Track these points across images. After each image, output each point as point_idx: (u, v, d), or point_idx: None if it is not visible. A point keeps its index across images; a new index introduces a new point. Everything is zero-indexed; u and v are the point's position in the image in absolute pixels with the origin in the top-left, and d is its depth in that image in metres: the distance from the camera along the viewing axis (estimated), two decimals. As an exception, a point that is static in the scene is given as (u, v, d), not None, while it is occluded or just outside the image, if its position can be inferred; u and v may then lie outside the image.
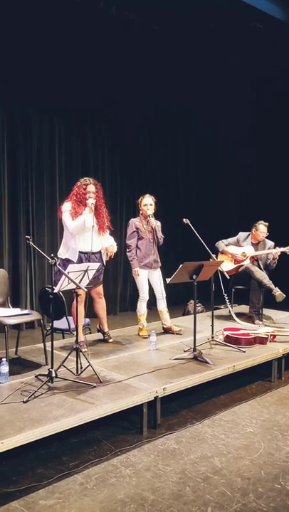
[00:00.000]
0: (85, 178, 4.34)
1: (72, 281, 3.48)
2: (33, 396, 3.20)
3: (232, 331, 4.71)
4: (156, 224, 4.83)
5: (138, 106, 7.42)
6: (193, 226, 4.57)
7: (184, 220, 4.62)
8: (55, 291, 3.51)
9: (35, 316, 4.08)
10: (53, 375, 3.42)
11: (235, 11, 6.18)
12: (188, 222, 4.60)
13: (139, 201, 4.90)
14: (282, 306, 5.68)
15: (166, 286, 4.83)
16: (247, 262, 5.54)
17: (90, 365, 3.61)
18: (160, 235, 4.87)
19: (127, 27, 6.36)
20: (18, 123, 6.20)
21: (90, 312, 4.44)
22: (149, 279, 4.87)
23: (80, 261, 4.18)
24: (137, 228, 4.80)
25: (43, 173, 6.49)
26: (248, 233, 5.68)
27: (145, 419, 3.35)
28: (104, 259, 4.46)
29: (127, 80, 7.05)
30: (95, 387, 3.39)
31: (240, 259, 5.58)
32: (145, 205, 4.80)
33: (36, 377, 3.56)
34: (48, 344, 3.71)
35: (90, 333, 4.83)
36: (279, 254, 5.43)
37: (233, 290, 5.75)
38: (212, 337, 4.62)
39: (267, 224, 5.60)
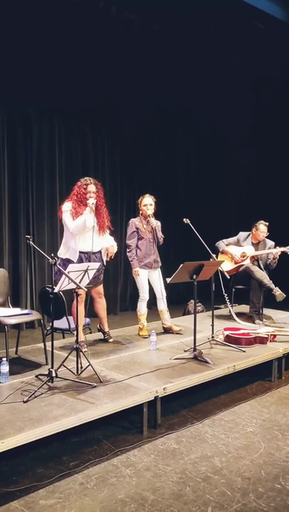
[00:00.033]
0: (85, 178, 4.33)
1: (72, 281, 3.48)
2: (33, 396, 3.20)
3: (232, 330, 4.71)
4: (157, 224, 4.84)
5: (138, 106, 7.43)
6: (193, 226, 4.57)
7: (184, 219, 4.62)
8: (55, 290, 3.51)
9: (35, 315, 4.08)
10: (53, 374, 3.42)
11: (236, 11, 6.17)
12: (189, 222, 4.59)
13: (139, 201, 4.90)
14: (283, 305, 5.68)
15: (167, 286, 4.83)
16: (247, 262, 5.54)
17: (90, 364, 3.61)
18: (160, 234, 4.87)
19: (127, 27, 6.36)
20: (18, 123, 6.21)
21: (91, 312, 4.44)
22: (149, 279, 4.87)
23: (80, 261, 4.18)
24: (137, 228, 4.80)
25: (43, 173, 6.49)
26: (248, 233, 5.68)
27: (145, 418, 3.35)
28: (105, 258, 4.46)
29: (127, 80, 7.05)
30: (95, 386, 3.39)
31: (240, 259, 5.58)
32: (145, 205, 4.80)
33: (36, 376, 3.56)
34: (48, 344, 3.70)
35: (90, 332, 4.83)
36: (279, 253, 5.43)
37: (234, 290, 5.75)
38: (212, 337, 4.62)
39: (267, 224, 5.60)
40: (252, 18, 6.35)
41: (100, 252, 4.38)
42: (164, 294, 4.89)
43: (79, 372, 3.63)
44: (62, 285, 3.49)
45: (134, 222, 4.84)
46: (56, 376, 3.44)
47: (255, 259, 5.61)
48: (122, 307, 7.54)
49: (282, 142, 8.80)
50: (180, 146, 8.39)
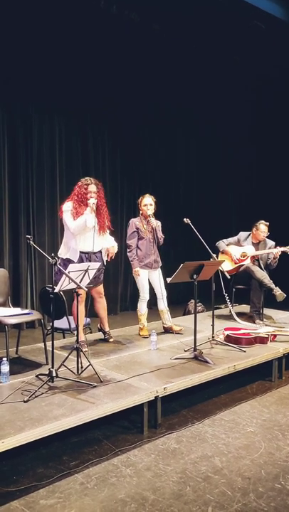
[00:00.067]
0: (86, 178, 4.33)
1: (72, 280, 3.48)
2: (33, 396, 3.20)
3: (232, 330, 4.71)
4: (157, 224, 4.83)
5: (138, 106, 7.43)
6: (193, 226, 4.57)
7: (185, 219, 4.61)
8: (55, 290, 3.51)
9: (35, 315, 4.07)
10: (54, 374, 3.42)
11: (236, 11, 6.17)
12: (189, 221, 4.59)
13: (139, 201, 4.90)
14: (283, 305, 5.68)
15: (167, 286, 4.83)
16: (248, 262, 5.54)
17: (90, 364, 3.61)
18: (160, 234, 4.87)
19: (127, 26, 6.36)
20: (18, 123, 6.20)
21: (91, 312, 4.44)
22: (150, 278, 4.87)
23: (80, 261, 4.17)
24: (137, 228, 4.80)
25: (44, 173, 6.49)
26: (248, 233, 5.68)
27: (146, 418, 3.34)
28: (105, 258, 4.46)
29: (127, 79, 7.05)
30: (95, 386, 3.39)
31: (240, 259, 5.58)
32: (145, 205, 4.80)
33: (37, 376, 3.56)
34: (49, 344, 3.70)
35: (91, 332, 4.83)
36: (280, 253, 5.43)
37: (234, 290, 5.75)
38: (213, 337, 4.62)
39: (268, 224, 5.60)
40: (252, 18, 6.35)
41: (100, 251, 4.38)
42: (165, 294, 4.89)
43: (79, 372, 3.63)
44: (63, 285, 3.49)
45: (135, 222, 4.84)
46: (56, 376, 3.44)
47: (255, 259, 5.61)
48: (123, 307, 7.54)
49: (282, 142, 8.80)
50: (180, 146, 8.39)
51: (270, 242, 5.62)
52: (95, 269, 3.76)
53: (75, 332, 4.04)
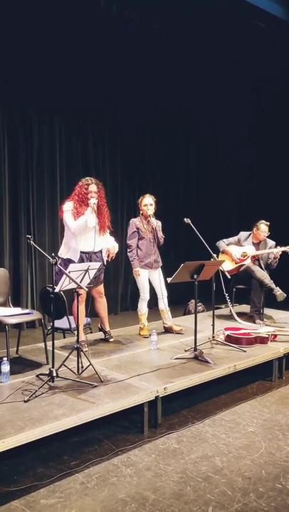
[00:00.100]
0: (86, 178, 4.32)
1: (73, 280, 3.48)
2: (33, 395, 3.20)
3: (233, 330, 4.70)
4: (157, 224, 4.83)
5: (138, 106, 7.42)
6: (193, 226, 4.57)
7: (185, 219, 4.61)
8: (55, 290, 3.51)
9: (36, 315, 4.07)
10: (54, 374, 3.42)
11: (236, 11, 6.17)
12: (190, 221, 4.59)
13: (139, 201, 4.90)
14: (283, 305, 5.67)
15: (167, 286, 4.83)
16: (248, 262, 5.54)
17: (90, 364, 3.61)
18: (160, 234, 4.86)
19: (127, 26, 6.36)
20: (18, 123, 6.20)
21: (91, 311, 4.44)
22: (150, 278, 4.87)
23: (81, 261, 4.17)
24: (138, 228, 4.80)
25: (44, 173, 6.49)
26: (249, 233, 5.68)
27: (146, 418, 3.34)
28: (105, 258, 4.45)
29: (127, 79, 7.05)
30: (95, 386, 3.39)
31: (241, 259, 5.58)
32: (145, 205, 4.80)
33: (37, 376, 3.56)
34: (49, 344, 3.70)
35: (91, 332, 4.83)
36: (280, 253, 5.43)
37: (234, 290, 5.75)
38: (213, 336, 4.62)
39: (268, 223, 5.60)
40: (252, 17, 6.35)
41: (100, 251, 4.38)
42: (165, 294, 4.89)
43: (80, 371, 3.63)
44: (63, 285, 3.49)
45: (135, 222, 4.84)
46: (57, 376, 3.43)
47: (255, 259, 5.61)
48: (123, 307, 7.54)
49: (282, 142, 8.80)
50: (180, 146, 8.39)
51: (271, 242, 5.62)
52: (95, 268, 3.76)
53: (76, 332, 4.04)
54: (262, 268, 5.51)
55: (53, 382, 3.42)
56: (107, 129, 7.20)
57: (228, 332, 4.63)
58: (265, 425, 3.48)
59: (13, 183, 6.21)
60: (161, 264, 4.92)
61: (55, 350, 3.51)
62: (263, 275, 5.36)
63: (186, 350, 4.29)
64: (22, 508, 2.50)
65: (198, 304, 4.76)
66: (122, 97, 7.14)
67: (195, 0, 6.01)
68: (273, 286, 5.29)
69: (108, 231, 4.46)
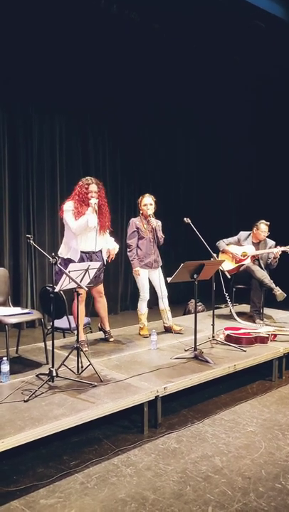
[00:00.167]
0: (87, 178, 4.31)
1: (73, 280, 3.47)
2: (33, 395, 3.20)
3: (233, 330, 4.70)
4: (157, 223, 4.83)
5: (138, 106, 7.43)
6: (193, 226, 4.57)
7: (185, 219, 4.60)
8: (55, 290, 3.50)
9: (35, 315, 4.07)
10: (54, 374, 3.42)
11: (236, 11, 6.17)
12: (189, 221, 4.59)
13: (139, 201, 4.90)
14: (283, 305, 5.67)
15: (167, 286, 4.83)
16: (248, 262, 5.54)
17: (90, 364, 3.61)
18: (160, 234, 4.86)
19: (127, 26, 6.36)
20: (18, 123, 6.20)
21: (91, 311, 4.44)
22: (150, 278, 4.87)
23: (81, 261, 4.16)
24: (138, 228, 4.80)
25: (44, 173, 6.49)
26: (249, 232, 5.68)
27: (146, 418, 3.34)
28: (105, 258, 4.45)
29: (127, 79, 7.05)
30: (95, 386, 3.39)
31: (241, 259, 5.58)
32: (145, 204, 4.80)
33: (37, 376, 3.56)
34: (49, 343, 3.70)
35: (91, 332, 4.83)
36: (280, 253, 5.43)
37: (234, 289, 5.75)
38: (213, 336, 4.62)
39: (268, 223, 5.60)
40: (252, 17, 6.34)
41: (100, 251, 4.38)
42: (165, 293, 4.88)
43: (79, 371, 3.63)
44: (63, 284, 3.49)
45: (135, 221, 4.84)
46: (57, 375, 3.43)
47: (255, 259, 5.61)
48: (123, 306, 7.54)
49: (282, 142, 8.80)
50: (180, 146, 8.39)
51: (271, 242, 5.62)
52: (95, 268, 3.76)
53: (75, 331, 4.04)
54: (262, 268, 5.51)
55: (52, 381, 3.42)
56: (107, 129, 7.20)
57: (228, 332, 4.63)
58: (265, 425, 3.48)
59: (13, 183, 6.21)
60: (161, 263, 4.92)
61: (55, 350, 3.51)
62: (263, 275, 5.36)
63: (186, 350, 4.28)
64: (22, 508, 2.50)
65: (198, 304, 4.77)
66: (122, 97, 7.14)
67: (195, 0, 6.01)
68: (273, 286, 5.29)
69: (108, 231, 4.45)
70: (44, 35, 5.97)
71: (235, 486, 2.70)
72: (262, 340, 4.58)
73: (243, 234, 5.71)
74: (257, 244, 5.62)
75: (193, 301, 5.56)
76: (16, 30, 5.81)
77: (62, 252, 4.32)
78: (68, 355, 3.64)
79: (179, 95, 7.77)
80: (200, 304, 6.43)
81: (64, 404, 3.10)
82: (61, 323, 4.37)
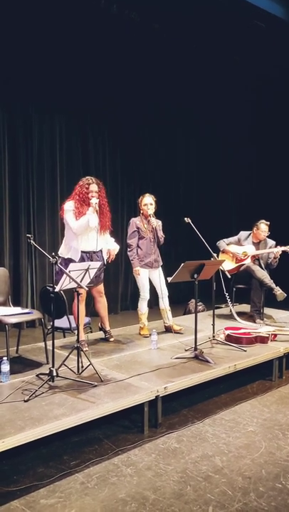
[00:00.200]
0: (87, 177, 4.31)
1: (73, 280, 3.47)
2: (33, 395, 3.19)
3: (233, 330, 4.70)
4: (157, 223, 4.83)
5: (138, 106, 7.43)
6: (193, 225, 4.56)
7: (186, 218, 4.60)
8: (56, 290, 3.50)
9: (36, 315, 4.06)
10: (54, 374, 3.42)
11: (236, 11, 6.17)
12: (190, 221, 4.59)
13: (139, 201, 4.90)
14: (283, 305, 5.67)
15: (168, 286, 4.83)
16: (248, 261, 5.54)
17: (90, 364, 3.61)
18: (161, 234, 4.86)
19: (127, 26, 6.36)
20: (18, 123, 6.21)
21: (91, 311, 4.44)
22: (150, 278, 4.87)
23: (82, 261, 4.16)
24: (138, 228, 4.79)
25: (44, 172, 6.50)
26: (249, 232, 5.68)
27: (146, 418, 3.34)
28: (106, 257, 4.45)
29: (127, 79, 7.05)
30: (96, 386, 3.38)
31: (241, 259, 5.58)
32: (145, 204, 4.80)
33: (37, 376, 3.56)
34: (49, 343, 3.69)
35: (91, 331, 4.82)
36: (280, 253, 5.43)
37: (234, 289, 5.75)
38: (213, 336, 4.62)
39: (268, 223, 5.60)
40: (252, 17, 6.34)
41: (100, 251, 4.37)
42: (166, 293, 4.88)
43: (80, 371, 3.63)
44: (63, 284, 3.48)
45: (135, 221, 4.83)
46: (57, 375, 3.43)
47: (256, 259, 5.61)
48: (123, 306, 7.54)
49: (282, 142, 8.80)
50: (180, 146, 8.39)
51: (271, 242, 5.62)
52: (95, 268, 3.76)
53: (76, 331, 4.04)
54: (262, 268, 5.51)
55: (53, 381, 3.42)
56: (107, 129, 7.20)
57: (228, 331, 4.63)
58: (265, 425, 3.48)
59: (13, 182, 6.21)
60: (161, 263, 4.92)
61: (55, 350, 3.51)
62: (263, 275, 5.36)
63: (186, 350, 4.28)
64: (22, 508, 2.50)
65: (198, 304, 4.77)
66: (122, 97, 7.14)
67: (195, 0, 6.01)
68: (273, 285, 5.29)
69: (108, 231, 4.45)
70: (44, 35, 5.97)
71: (235, 486, 2.70)
72: (262, 340, 4.58)
73: (243, 234, 5.71)
74: (257, 244, 5.62)
75: (193, 300, 5.56)
76: (16, 31, 5.81)
77: (63, 251, 4.31)
78: (68, 355, 3.64)
79: (179, 95, 7.77)
80: (200, 303, 6.42)
81: (64, 404, 3.10)
82: (61, 322, 4.37)
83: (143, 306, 4.88)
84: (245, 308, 5.85)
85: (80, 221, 4.12)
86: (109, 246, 4.43)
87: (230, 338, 4.55)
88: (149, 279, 4.86)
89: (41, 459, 2.97)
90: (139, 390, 3.34)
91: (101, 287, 4.50)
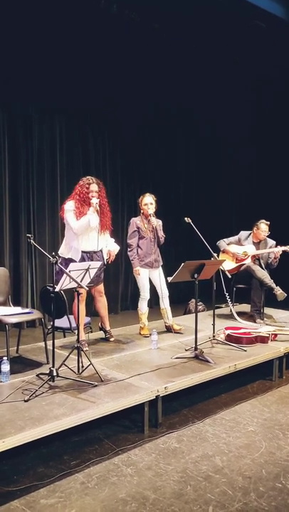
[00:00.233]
0: (87, 177, 4.30)
1: (73, 280, 3.47)
2: (34, 395, 3.19)
3: (233, 329, 4.70)
4: (158, 223, 4.83)
5: (138, 106, 7.43)
6: (194, 225, 4.56)
7: (186, 218, 4.60)
8: (56, 289, 3.50)
9: (36, 314, 4.06)
10: (54, 373, 3.41)
11: (236, 11, 6.17)
12: (190, 221, 4.58)
13: (139, 200, 4.89)
14: (284, 305, 5.67)
15: (168, 285, 4.83)
16: (248, 261, 5.54)
17: (91, 363, 3.61)
18: (161, 234, 4.86)
19: (127, 26, 6.36)
20: (18, 123, 6.21)
21: (92, 311, 4.43)
22: (150, 278, 4.87)
23: (82, 260, 4.16)
24: (138, 227, 4.79)
25: (44, 172, 6.50)
26: (249, 232, 5.68)
27: (146, 418, 3.34)
28: (106, 257, 4.45)
29: (127, 79, 7.05)
30: (96, 386, 3.38)
31: (241, 258, 5.58)
32: (146, 204, 4.79)
33: (37, 376, 3.56)
34: (49, 343, 3.70)
35: (91, 331, 4.82)
36: (280, 253, 5.43)
37: (235, 289, 5.75)
38: (213, 336, 4.62)
39: (268, 223, 5.60)
40: (252, 17, 6.34)
41: (101, 250, 4.37)
42: (166, 293, 4.88)
43: (80, 371, 3.63)
44: (64, 284, 3.48)
45: (135, 221, 4.83)
46: (57, 375, 3.43)
47: (256, 259, 5.61)
48: (123, 306, 7.54)
49: (282, 142, 8.80)
50: (180, 146, 8.39)
51: (271, 242, 5.62)
52: (96, 268, 3.76)
53: (76, 331, 4.03)
54: (262, 267, 5.51)
55: (53, 381, 3.42)
56: (107, 129, 7.20)
57: (228, 331, 4.63)
58: (265, 424, 3.48)
59: (13, 182, 6.21)
60: (161, 263, 4.91)
61: (55, 350, 3.51)
62: (264, 274, 5.36)
63: (186, 350, 4.28)
64: (22, 508, 2.49)
65: (198, 304, 4.77)
66: (122, 97, 7.14)
67: (195, 0, 6.00)
68: (274, 285, 5.28)
69: (108, 231, 4.44)
70: (44, 35, 5.97)
71: (235, 486, 2.70)
72: (262, 339, 4.58)
73: (243, 233, 5.71)
74: (257, 244, 5.62)
75: (193, 300, 5.56)
76: (16, 31, 5.81)
77: (63, 251, 4.31)
78: (69, 355, 3.64)
79: (179, 95, 7.77)
80: (200, 303, 6.42)
81: (64, 403, 3.10)
82: (61, 322, 4.37)
83: (143, 306, 4.88)
84: (246, 308, 5.85)
85: (81, 221, 4.12)
86: (110, 247, 4.43)
87: (230, 338, 4.55)
88: (150, 279, 4.86)
89: (41, 459, 2.97)
90: (139, 390, 3.34)
91: (101, 287, 4.50)
